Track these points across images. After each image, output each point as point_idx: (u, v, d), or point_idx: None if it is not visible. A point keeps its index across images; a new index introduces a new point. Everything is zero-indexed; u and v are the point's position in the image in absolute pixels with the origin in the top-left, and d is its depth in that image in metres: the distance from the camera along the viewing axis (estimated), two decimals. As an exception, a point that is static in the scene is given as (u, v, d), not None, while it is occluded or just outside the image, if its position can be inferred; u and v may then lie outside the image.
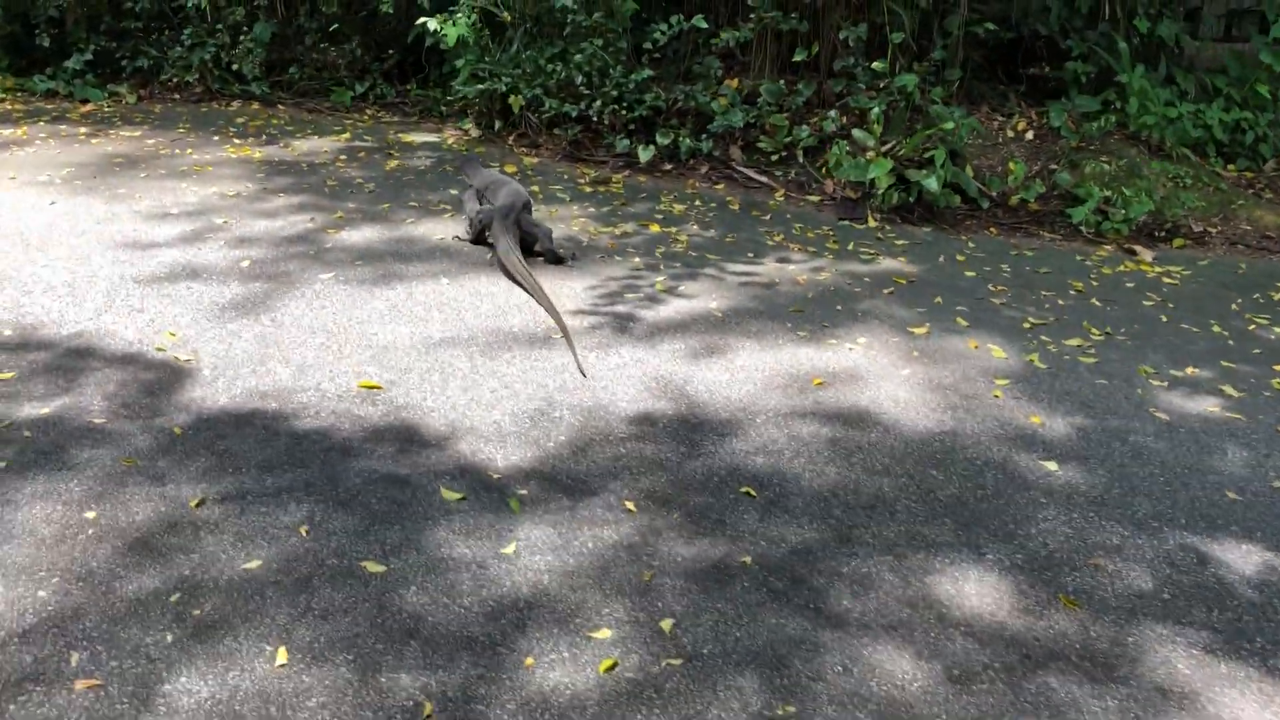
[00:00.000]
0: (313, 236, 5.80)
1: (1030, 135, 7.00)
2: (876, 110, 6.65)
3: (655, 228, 6.28)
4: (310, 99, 9.30)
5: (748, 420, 4.01)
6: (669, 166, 7.37)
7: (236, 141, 7.81)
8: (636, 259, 5.73)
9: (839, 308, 5.19)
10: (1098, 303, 5.48)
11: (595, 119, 7.43)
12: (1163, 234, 6.58)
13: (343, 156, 7.51)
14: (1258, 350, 4.98)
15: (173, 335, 4.45)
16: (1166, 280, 5.91)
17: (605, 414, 3.99)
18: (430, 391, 4.09)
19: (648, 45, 7.32)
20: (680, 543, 3.25)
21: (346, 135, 8.14)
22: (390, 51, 9.11)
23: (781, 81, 7.30)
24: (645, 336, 4.71)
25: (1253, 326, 5.30)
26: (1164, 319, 5.31)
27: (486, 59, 7.86)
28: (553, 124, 7.70)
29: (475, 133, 8.14)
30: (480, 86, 7.64)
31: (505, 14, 7.60)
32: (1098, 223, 6.47)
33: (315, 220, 6.07)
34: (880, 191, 6.55)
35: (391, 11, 8.30)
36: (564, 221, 6.28)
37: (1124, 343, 4.97)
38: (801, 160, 7.09)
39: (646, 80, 7.22)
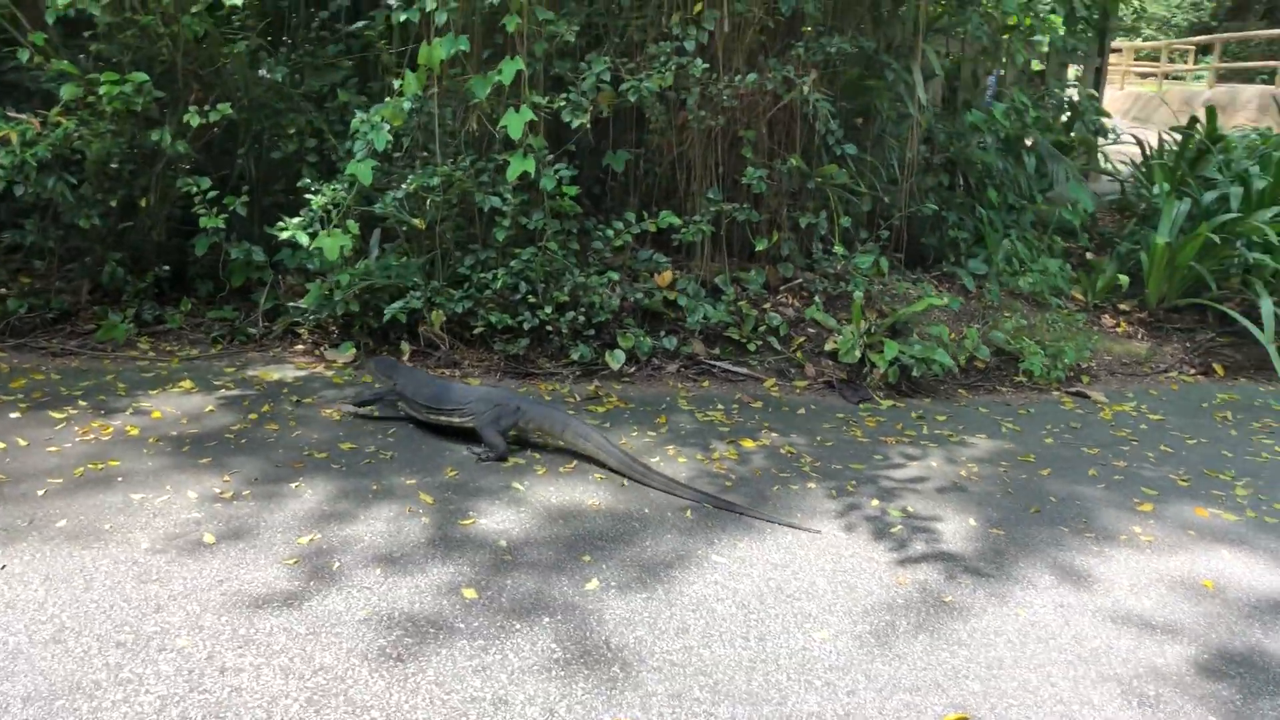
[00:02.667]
0: (452, 535, 4.45)
1: (944, 300, 7.58)
2: (859, 293, 6.77)
3: (748, 443, 5.74)
4: (35, 336, 6.98)
5: (1258, 649, 3.93)
6: (631, 369, 6.76)
7: (55, 415, 5.64)
8: (794, 486, 5.18)
9: (1052, 499, 5.21)
10: (1168, 449, 6.11)
11: (550, 329, 6.57)
12: (1072, 375, 7.51)
13: (250, 416, 5.77)
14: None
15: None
16: (1152, 417, 6.76)
17: (1173, 683, 3.66)
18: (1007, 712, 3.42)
19: (598, 244, 6.67)
20: None
21: (189, 384, 6.26)
22: (165, 267, 7.16)
23: (751, 272, 7.11)
24: (996, 575, 4.35)
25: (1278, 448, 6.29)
26: (1228, 454, 6.08)
27: (353, 271, 6.59)
28: (483, 338, 6.66)
29: (349, 355, 6.74)
30: (398, 304, 6.36)
31: (418, 221, 6.44)
32: (1046, 372, 7.21)
33: (415, 511, 4.66)
34: (882, 370, 6.66)
35: (223, 227, 6.57)
36: (649, 456, 5.48)
37: (1258, 483, 5.62)
38: (779, 347, 6.93)
39: (607, 282, 6.57)
